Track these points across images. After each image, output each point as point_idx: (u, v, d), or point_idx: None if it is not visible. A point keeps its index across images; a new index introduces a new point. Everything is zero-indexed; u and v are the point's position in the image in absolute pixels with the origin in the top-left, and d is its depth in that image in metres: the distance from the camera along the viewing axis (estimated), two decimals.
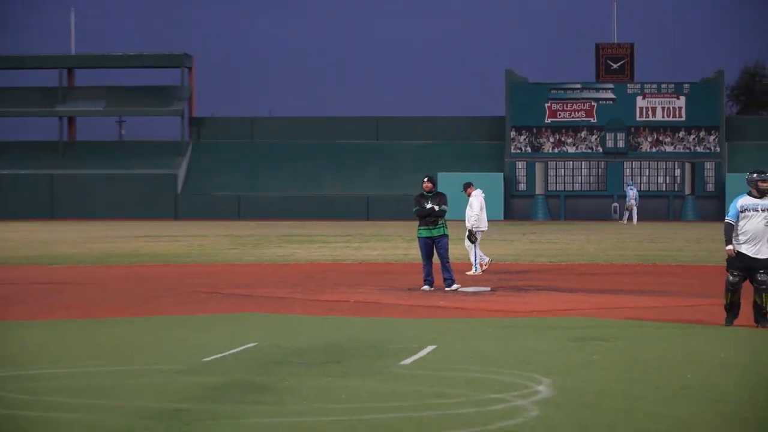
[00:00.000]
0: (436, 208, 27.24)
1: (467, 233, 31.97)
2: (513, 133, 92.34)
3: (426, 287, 27.16)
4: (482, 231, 32.58)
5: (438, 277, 27.51)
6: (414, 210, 28.27)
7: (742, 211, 19.21)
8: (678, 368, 15.59)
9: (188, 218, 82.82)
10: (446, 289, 26.85)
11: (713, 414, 11.91)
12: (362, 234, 57.59)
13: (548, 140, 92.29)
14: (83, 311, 23.82)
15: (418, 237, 27.96)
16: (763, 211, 19.13)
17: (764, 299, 19.08)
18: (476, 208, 31.35)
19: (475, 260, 31.69)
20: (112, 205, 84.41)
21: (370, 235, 54.59)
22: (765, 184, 19.42)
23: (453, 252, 28.95)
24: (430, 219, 27.35)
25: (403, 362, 15.82)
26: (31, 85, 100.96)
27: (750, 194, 19.50)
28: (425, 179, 28.08)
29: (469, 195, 31.99)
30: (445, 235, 27.57)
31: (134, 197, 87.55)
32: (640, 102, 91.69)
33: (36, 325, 21.70)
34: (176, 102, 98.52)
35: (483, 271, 30.76)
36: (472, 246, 32.09)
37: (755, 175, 19.88)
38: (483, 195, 31.71)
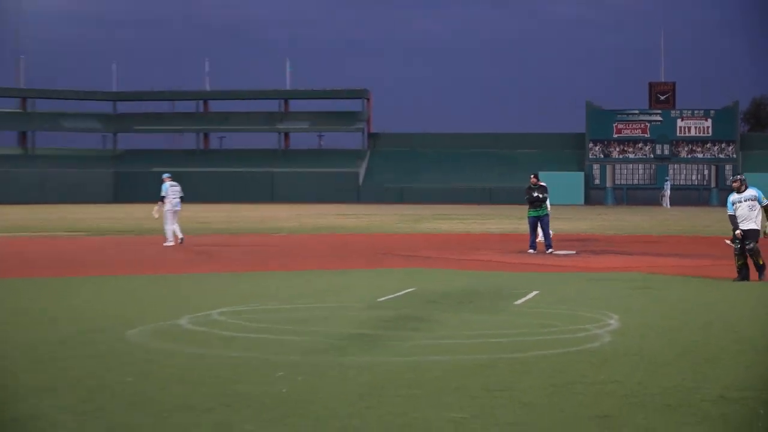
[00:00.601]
0: (540, 195, 27.42)
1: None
2: (591, 145, 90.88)
3: (531, 251, 27.50)
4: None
5: (540, 245, 27.56)
6: (525, 198, 28.53)
7: (733, 204, 19.59)
8: (705, 308, 15.92)
9: (366, 202, 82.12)
10: (546, 252, 26.89)
11: (729, 339, 12.20)
12: (487, 214, 56.75)
13: (615, 149, 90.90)
14: (297, 266, 24.06)
15: (528, 216, 28.22)
16: (744, 201, 19.57)
17: (757, 259, 19.26)
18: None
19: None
20: (314, 193, 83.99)
21: (492, 215, 53.75)
22: (735, 183, 20.18)
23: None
24: (536, 203, 27.32)
25: (516, 302, 16.24)
26: (260, 110, 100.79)
27: (735, 192, 19.87)
28: (532, 176, 28.49)
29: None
30: (547, 215, 27.62)
31: (329, 188, 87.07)
32: (680, 123, 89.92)
33: (268, 275, 21.95)
34: (358, 122, 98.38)
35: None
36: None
37: (732, 178, 21.56)
38: None
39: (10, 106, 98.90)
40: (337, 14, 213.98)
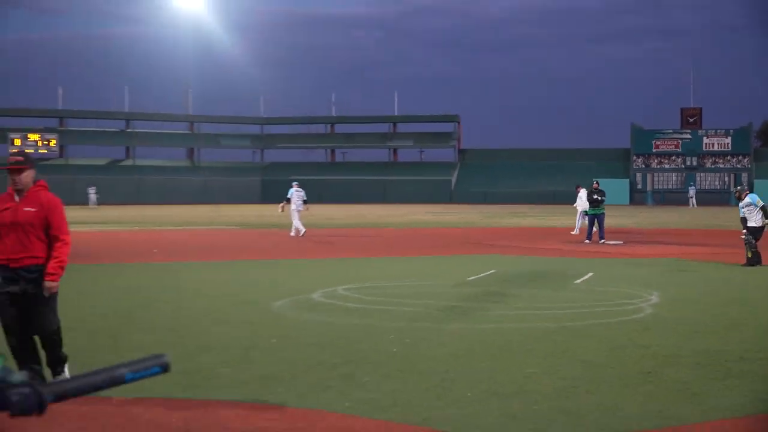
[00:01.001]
0: (599, 198, 27.24)
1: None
2: (634, 158, 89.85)
3: (587, 241, 27.13)
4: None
5: (594, 236, 27.31)
6: (588, 199, 28.57)
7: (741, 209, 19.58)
8: (727, 287, 15.52)
9: (457, 203, 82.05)
10: (599, 242, 26.62)
11: (748, 312, 12.17)
12: (551, 212, 56.32)
13: (654, 161, 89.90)
14: (403, 252, 24.11)
15: (588, 213, 28.01)
16: (741, 207, 19.66)
17: (748, 249, 19.15)
18: (583, 198, 29.77)
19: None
20: (416, 196, 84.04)
21: (556, 213, 53.35)
22: (736, 194, 20.68)
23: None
24: (595, 203, 27.17)
25: (575, 282, 16.17)
26: (375, 131, 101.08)
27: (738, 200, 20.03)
28: (594, 182, 28.39)
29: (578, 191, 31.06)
30: (603, 213, 27.41)
31: (428, 192, 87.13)
32: (705, 140, 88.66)
33: (380, 259, 22.01)
34: (451, 140, 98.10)
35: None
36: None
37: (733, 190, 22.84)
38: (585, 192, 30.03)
39: (181, 128, 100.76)
40: (434, 55, 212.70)
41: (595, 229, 27.75)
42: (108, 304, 13.16)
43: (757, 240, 19.19)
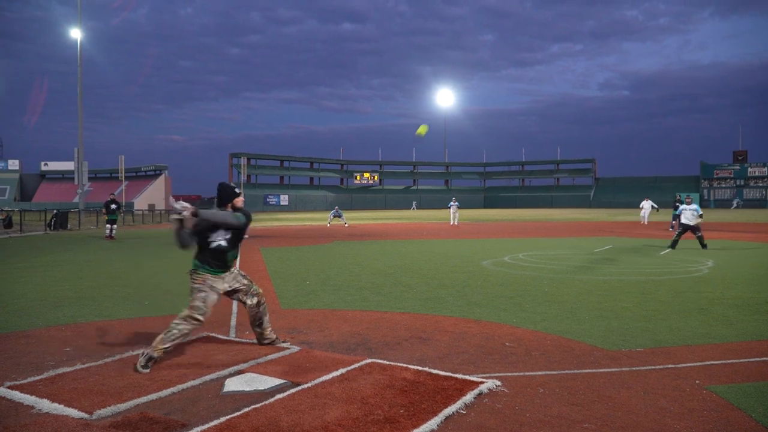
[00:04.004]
0: (688, 208, 24.33)
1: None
2: (703, 181, 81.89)
3: (670, 229, 24.40)
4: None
5: (676, 227, 24.70)
6: (673, 207, 25.67)
7: (681, 211, 16.82)
8: (760, 258, 13.57)
9: (594, 207, 78.25)
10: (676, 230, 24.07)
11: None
12: (653, 215, 52.37)
13: (715, 182, 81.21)
14: (557, 234, 22.79)
15: (674, 213, 25.17)
16: (688, 210, 16.36)
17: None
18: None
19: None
20: (569, 203, 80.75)
21: (658, 215, 48.84)
22: (687, 200, 17.06)
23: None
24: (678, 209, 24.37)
25: (660, 253, 14.66)
26: (545, 169, 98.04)
27: (685, 205, 16.64)
28: (687, 197, 25.59)
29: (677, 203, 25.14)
30: (679, 215, 24.63)
31: (578, 201, 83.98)
32: (750, 170, 79.19)
33: (542, 240, 20.93)
34: (590, 172, 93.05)
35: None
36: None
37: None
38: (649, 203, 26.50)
39: (441, 169, 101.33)
40: (575, 125, 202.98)
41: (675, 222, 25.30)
42: (393, 262, 13.33)
43: (697, 235, 16.15)
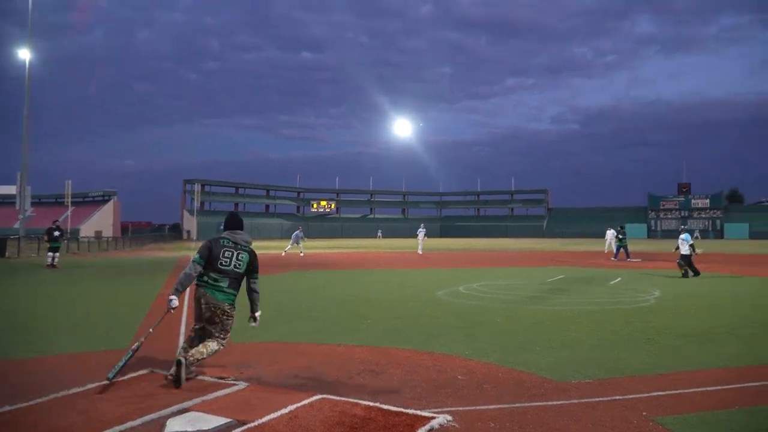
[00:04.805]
0: (621, 236, 25.07)
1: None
2: (650, 212, 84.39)
3: (613, 259, 24.97)
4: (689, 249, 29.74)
5: (621, 255, 25.27)
6: (618, 236, 26.04)
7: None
8: (704, 287, 14.00)
9: (547, 237, 79.67)
10: (626, 259, 24.66)
11: (726, 303, 10.77)
12: (591, 242, 53.50)
13: (660, 214, 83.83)
14: (507, 264, 22.98)
15: (617, 244, 25.93)
16: (681, 240, 17.14)
17: (688, 268, 16.81)
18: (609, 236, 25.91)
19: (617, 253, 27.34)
20: (523, 233, 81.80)
21: (600, 244, 50.32)
22: (681, 231, 17.59)
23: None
24: (623, 238, 25.05)
25: (610, 283, 15.04)
26: (499, 199, 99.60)
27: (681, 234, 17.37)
28: (620, 227, 26.32)
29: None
30: (625, 244, 25.47)
31: (531, 231, 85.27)
32: (693, 201, 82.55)
33: (496, 269, 21.09)
34: (543, 203, 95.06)
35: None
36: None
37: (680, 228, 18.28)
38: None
39: (398, 198, 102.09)
40: (528, 156, 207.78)
41: (622, 251, 25.96)
42: (349, 292, 13.24)
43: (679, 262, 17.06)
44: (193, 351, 5.29)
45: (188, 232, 75.24)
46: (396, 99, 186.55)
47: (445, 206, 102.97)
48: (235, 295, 5.54)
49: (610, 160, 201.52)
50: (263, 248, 42.29)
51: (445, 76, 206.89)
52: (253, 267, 5.57)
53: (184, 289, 5.36)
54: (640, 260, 25.35)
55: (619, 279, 16.10)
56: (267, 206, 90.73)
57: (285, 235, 78.51)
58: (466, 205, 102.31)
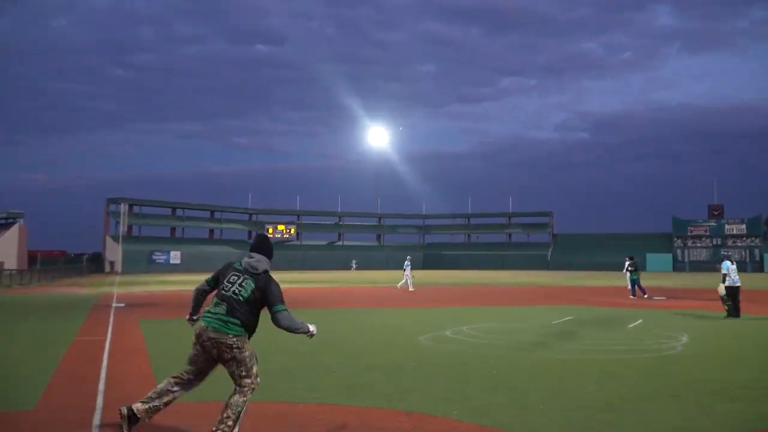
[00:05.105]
0: (632, 268, 25.67)
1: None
2: (675, 239, 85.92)
3: (632, 297, 25.35)
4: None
5: (638, 293, 25.59)
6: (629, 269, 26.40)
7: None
8: (736, 334, 14.23)
9: (552, 269, 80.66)
10: (643, 297, 24.95)
11: (751, 349, 10.88)
12: (615, 276, 54.21)
13: (689, 241, 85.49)
14: (508, 302, 23.15)
15: (631, 278, 26.25)
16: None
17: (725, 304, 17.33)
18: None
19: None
20: (523, 264, 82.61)
21: (619, 277, 51.17)
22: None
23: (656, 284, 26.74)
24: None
25: (629, 326, 15.25)
26: (496, 223, 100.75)
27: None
28: (628, 257, 26.72)
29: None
30: (638, 278, 26.03)
31: (532, 261, 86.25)
32: (727, 227, 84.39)
33: (489, 308, 21.20)
34: (548, 228, 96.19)
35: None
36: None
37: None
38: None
39: (372, 221, 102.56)
40: (532, 172, 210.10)
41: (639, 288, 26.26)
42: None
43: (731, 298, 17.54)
44: (221, 419, 5.43)
45: (112, 263, 74.26)
46: (370, 102, 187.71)
47: (429, 231, 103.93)
48: (241, 326, 5.57)
49: (627, 176, 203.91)
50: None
51: (429, 76, 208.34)
52: (264, 297, 5.63)
53: (194, 308, 5.98)
54: (664, 298, 25.70)
55: (639, 321, 16.28)
56: (211, 231, 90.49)
57: None
58: (455, 230, 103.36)
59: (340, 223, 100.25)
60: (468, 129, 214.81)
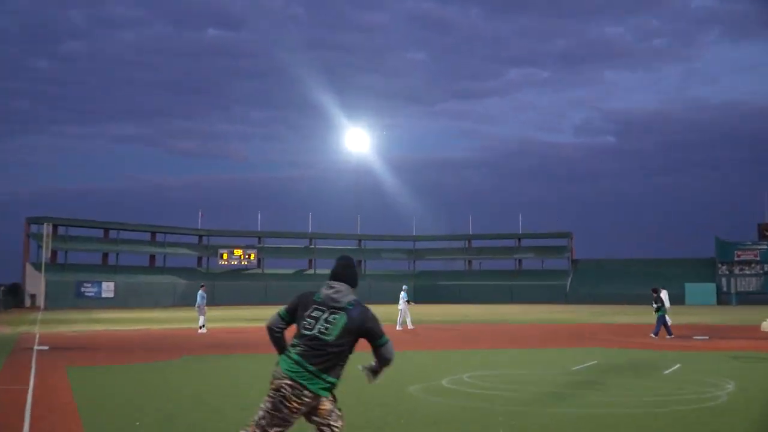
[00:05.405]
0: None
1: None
2: (719, 265, 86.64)
3: (667, 337, 25.53)
4: None
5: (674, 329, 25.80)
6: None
7: None
8: None
9: (571, 303, 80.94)
10: (667, 337, 25.07)
11: None
12: (650, 312, 54.53)
13: (736, 267, 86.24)
14: (520, 344, 23.34)
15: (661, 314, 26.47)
16: None
17: None
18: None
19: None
20: (537, 297, 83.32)
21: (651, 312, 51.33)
22: None
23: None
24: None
25: (664, 372, 15.41)
26: (501, 246, 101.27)
27: None
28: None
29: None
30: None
31: (546, 293, 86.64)
32: None
33: (498, 351, 21.36)
34: (566, 252, 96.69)
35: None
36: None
37: None
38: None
39: (351, 245, 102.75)
40: (550, 189, 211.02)
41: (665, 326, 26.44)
42: None
43: None
44: None
45: (33, 296, 73.70)
46: (348, 99, 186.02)
47: (421, 257, 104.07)
48: (323, 376, 5.35)
49: (661, 189, 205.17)
50: (145, 321, 41.63)
51: (419, 66, 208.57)
52: (364, 334, 5.61)
53: (281, 350, 5.69)
54: (706, 338, 25.92)
55: (677, 366, 16.39)
56: (152, 258, 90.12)
57: (179, 300, 77.31)
58: (452, 254, 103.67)
59: (312, 246, 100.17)
60: (467, 131, 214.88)
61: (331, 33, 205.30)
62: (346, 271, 5.70)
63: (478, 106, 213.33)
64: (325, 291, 5.57)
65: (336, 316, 5.42)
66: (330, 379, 5.37)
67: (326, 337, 5.34)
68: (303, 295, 5.67)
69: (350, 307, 5.48)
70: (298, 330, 5.49)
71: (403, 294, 33.46)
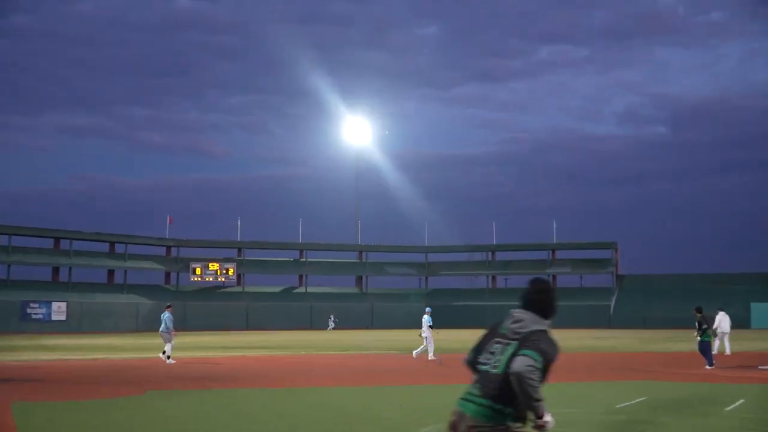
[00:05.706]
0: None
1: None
2: None
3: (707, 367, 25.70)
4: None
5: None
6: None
7: None
8: None
9: (615, 328, 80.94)
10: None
11: None
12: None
13: None
14: (557, 378, 23.49)
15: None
16: None
17: None
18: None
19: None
20: (574, 321, 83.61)
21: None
22: None
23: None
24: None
25: (726, 409, 15.49)
26: (533, 258, 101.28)
27: None
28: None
29: None
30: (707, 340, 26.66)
31: (587, 316, 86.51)
32: None
33: None
34: (609, 266, 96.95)
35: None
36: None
37: None
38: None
39: (350, 258, 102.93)
40: (590, 191, 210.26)
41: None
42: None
43: None
44: None
45: None
46: (345, 82, 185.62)
47: (435, 272, 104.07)
48: (498, 410, 5.38)
49: (721, 192, 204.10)
50: (103, 350, 41.75)
51: (430, 42, 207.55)
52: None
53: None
54: None
55: (740, 402, 16.49)
56: (111, 273, 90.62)
57: (143, 324, 77.36)
58: (472, 269, 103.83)
59: (303, 259, 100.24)
60: (488, 120, 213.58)
61: (323, 3, 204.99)
62: (538, 299, 5.86)
63: (502, 90, 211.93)
64: (509, 324, 5.72)
65: (510, 347, 5.51)
66: (491, 406, 5.46)
67: (495, 371, 5.45)
68: (491, 328, 5.92)
69: (533, 335, 5.55)
70: (474, 366, 5.72)
71: (426, 318, 33.81)
